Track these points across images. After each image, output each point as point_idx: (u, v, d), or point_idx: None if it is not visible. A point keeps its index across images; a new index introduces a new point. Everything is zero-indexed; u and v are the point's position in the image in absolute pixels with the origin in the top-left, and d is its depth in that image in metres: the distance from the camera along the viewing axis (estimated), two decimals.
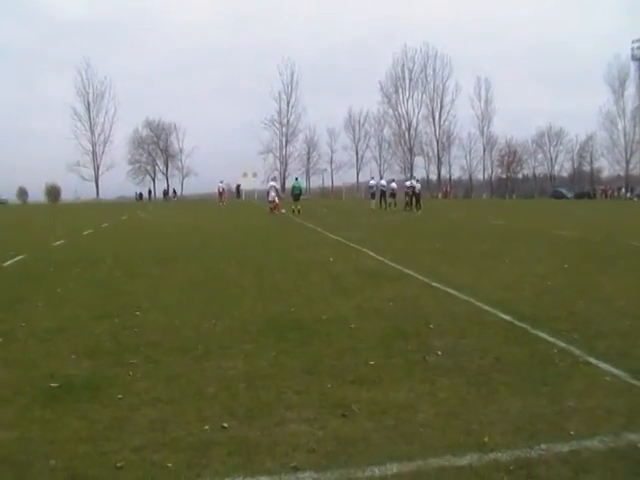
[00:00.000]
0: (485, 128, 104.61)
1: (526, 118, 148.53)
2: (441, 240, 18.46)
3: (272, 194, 38.19)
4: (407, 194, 43.06)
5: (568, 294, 9.24)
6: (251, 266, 12.69)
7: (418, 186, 43.22)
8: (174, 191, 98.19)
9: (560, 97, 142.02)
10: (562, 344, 6.39)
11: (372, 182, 47.64)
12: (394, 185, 46.27)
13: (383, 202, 43.67)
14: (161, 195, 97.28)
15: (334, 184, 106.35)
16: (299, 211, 34.49)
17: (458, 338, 6.67)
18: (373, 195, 44.91)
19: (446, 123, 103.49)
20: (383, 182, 47.47)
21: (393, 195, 44.78)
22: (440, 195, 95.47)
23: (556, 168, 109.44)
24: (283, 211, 36.36)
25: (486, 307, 8.28)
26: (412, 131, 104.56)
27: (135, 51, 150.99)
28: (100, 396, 5.00)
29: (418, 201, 41.56)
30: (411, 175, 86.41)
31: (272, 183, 41.35)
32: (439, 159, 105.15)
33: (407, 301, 8.76)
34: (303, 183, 41.93)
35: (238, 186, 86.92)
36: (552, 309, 8.14)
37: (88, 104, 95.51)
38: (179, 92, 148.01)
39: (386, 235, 20.86)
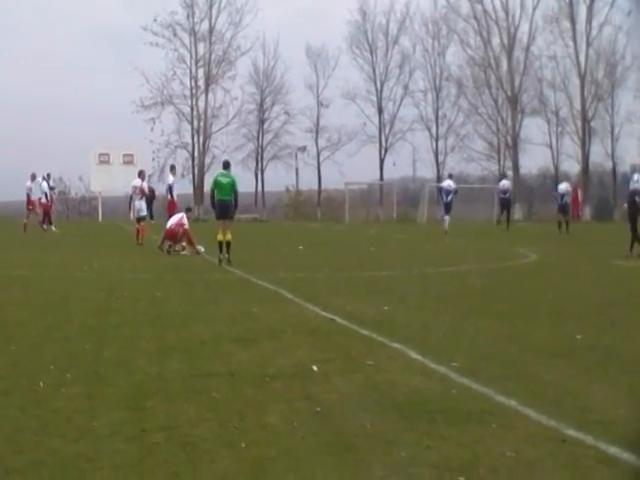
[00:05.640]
0: None
1: None
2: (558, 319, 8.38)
3: (176, 217, 17.41)
4: (502, 203, 30.24)
5: None
6: None
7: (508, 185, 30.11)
8: None
9: None
10: None
11: (447, 184, 28.64)
12: (451, 185, 28.73)
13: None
14: None
15: (323, 184, 49.79)
16: (229, 244, 14.76)
17: None
18: (447, 207, 27.87)
19: None
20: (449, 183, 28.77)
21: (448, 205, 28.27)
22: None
23: None
24: (201, 248, 17.10)
25: None
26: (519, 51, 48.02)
27: None
28: None
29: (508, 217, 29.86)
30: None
31: (171, 179, 21.26)
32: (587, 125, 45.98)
33: None
34: (235, 177, 15.62)
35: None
36: None
37: None
38: None
39: (446, 307, 9.45)
